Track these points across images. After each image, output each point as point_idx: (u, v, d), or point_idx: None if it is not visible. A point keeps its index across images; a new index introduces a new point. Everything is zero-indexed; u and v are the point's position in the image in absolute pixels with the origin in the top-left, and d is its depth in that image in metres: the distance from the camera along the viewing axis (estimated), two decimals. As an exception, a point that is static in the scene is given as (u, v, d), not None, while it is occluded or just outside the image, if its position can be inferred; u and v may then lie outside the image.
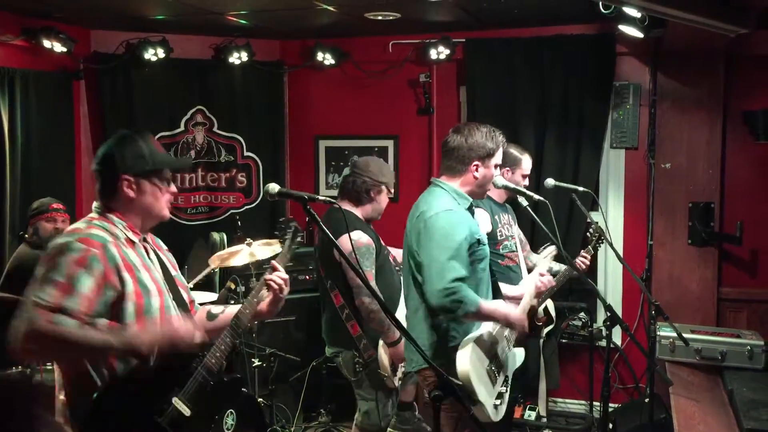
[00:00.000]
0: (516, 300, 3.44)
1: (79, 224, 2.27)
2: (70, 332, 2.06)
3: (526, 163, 4.08)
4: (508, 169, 4.03)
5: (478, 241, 3.01)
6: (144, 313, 2.22)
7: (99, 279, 2.14)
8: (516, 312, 3.09)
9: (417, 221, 3.00)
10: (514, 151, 4.06)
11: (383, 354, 3.63)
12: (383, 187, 3.75)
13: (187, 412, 2.25)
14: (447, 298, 2.79)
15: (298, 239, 2.63)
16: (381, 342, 3.64)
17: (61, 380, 2.97)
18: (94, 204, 2.35)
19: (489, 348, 3.07)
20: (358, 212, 3.72)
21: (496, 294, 3.23)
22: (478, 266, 3.04)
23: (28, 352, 2.19)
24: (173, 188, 2.40)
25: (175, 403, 2.23)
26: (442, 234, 2.89)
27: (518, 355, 3.35)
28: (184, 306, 2.41)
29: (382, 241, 3.79)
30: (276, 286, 2.48)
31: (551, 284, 3.51)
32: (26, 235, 4.12)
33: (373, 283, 3.48)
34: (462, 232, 2.91)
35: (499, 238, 3.95)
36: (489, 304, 2.97)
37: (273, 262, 2.52)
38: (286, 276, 2.50)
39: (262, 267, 4.01)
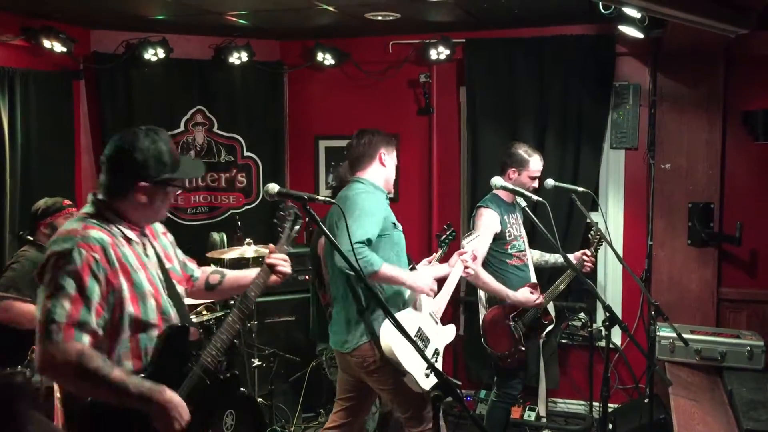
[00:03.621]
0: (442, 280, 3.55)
1: (75, 224, 2.17)
2: (96, 367, 2.05)
3: (535, 164, 3.99)
4: (514, 169, 3.97)
5: (394, 224, 3.26)
6: (141, 319, 2.19)
7: (104, 284, 2.11)
8: (420, 277, 3.25)
9: (339, 202, 3.09)
10: (521, 151, 3.99)
11: None
12: None
13: None
14: (353, 256, 2.90)
15: (297, 227, 2.55)
16: None
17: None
18: (91, 196, 2.26)
19: (411, 324, 3.23)
20: None
21: None
22: (392, 253, 3.22)
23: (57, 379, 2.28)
24: (179, 190, 2.38)
25: None
26: (360, 206, 3.13)
27: (448, 331, 3.51)
28: (178, 302, 2.35)
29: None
30: (280, 269, 2.46)
31: (473, 258, 3.54)
32: (29, 236, 3.98)
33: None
34: (380, 209, 3.19)
35: (507, 238, 3.93)
36: (392, 267, 3.12)
37: (270, 245, 2.51)
38: (286, 256, 2.48)
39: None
